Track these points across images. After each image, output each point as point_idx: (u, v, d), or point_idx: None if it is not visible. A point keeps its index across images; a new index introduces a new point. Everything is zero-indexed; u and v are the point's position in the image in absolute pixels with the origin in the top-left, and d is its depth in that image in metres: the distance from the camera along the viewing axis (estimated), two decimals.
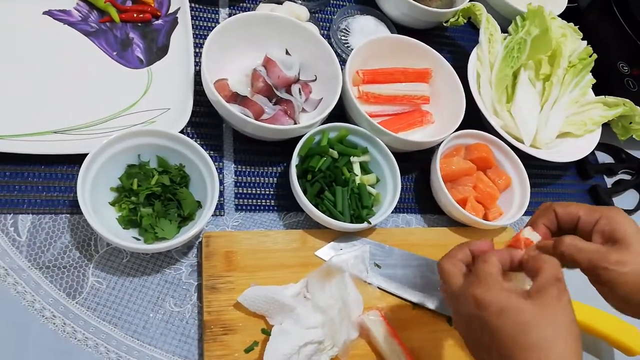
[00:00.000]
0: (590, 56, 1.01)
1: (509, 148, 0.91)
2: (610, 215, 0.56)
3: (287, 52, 0.87)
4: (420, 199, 0.91)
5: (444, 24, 1.04)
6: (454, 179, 0.88)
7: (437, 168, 0.84)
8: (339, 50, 0.98)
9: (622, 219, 0.55)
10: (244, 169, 0.82)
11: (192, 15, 0.89)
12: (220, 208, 0.78)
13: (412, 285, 0.78)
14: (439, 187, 0.84)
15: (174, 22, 0.89)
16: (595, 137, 1.01)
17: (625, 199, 1.09)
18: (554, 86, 0.98)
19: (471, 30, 1.12)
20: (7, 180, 0.70)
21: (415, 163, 0.92)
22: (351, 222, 0.77)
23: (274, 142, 0.83)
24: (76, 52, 0.81)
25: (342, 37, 1.01)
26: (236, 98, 0.80)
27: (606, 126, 1.03)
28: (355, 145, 0.84)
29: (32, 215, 0.69)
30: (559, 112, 0.98)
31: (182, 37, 0.87)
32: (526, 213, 0.87)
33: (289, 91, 0.85)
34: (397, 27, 1.04)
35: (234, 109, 0.75)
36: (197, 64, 0.84)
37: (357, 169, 0.82)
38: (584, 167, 1.07)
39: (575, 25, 1.04)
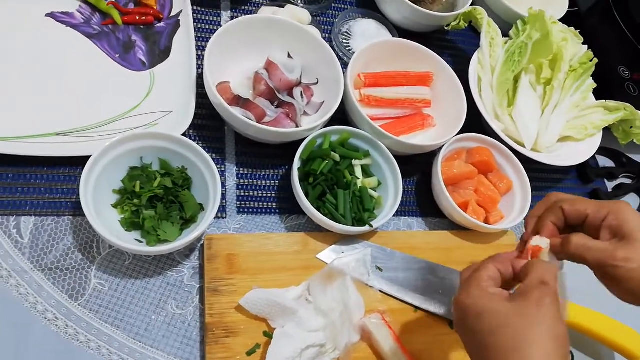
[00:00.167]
0: (591, 60, 1.01)
1: (510, 152, 0.91)
2: (618, 210, 0.56)
3: (289, 55, 0.88)
4: (421, 202, 0.91)
5: (445, 28, 1.04)
6: (456, 183, 0.88)
7: (439, 171, 0.84)
8: (340, 54, 0.98)
9: (630, 214, 0.56)
10: (246, 172, 0.83)
11: (194, 18, 0.89)
12: (222, 211, 0.78)
13: (414, 289, 0.78)
14: (440, 191, 0.84)
15: (176, 25, 0.89)
16: (596, 141, 1.01)
17: None
18: (554, 90, 0.98)
19: (472, 34, 1.13)
20: (9, 182, 0.70)
21: (417, 166, 0.92)
22: (353, 225, 0.77)
23: (275, 145, 0.84)
24: (79, 55, 0.81)
25: (344, 41, 1.01)
26: (238, 101, 0.81)
27: (607, 130, 1.03)
28: (357, 149, 0.84)
29: (35, 217, 0.69)
30: (560, 116, 0.98)
31: (184, 40, 0.87)
32: None
33: (290, 94, 0.86)
34: (398, 31, 1.04)
35: (236, 112, 0.76)
36: (200, 66, 0.84)
37: (358, 172, 0.82)
38: (584, 171, 1.07)
39: (576, 29, 1.04)
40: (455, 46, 1.13)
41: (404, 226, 0.88)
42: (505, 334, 0.48)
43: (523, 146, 0.94)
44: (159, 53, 0.86)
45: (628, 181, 1.12)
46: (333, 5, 1.05)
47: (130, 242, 0.67)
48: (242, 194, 0.81)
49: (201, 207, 0.72)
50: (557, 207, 0.59)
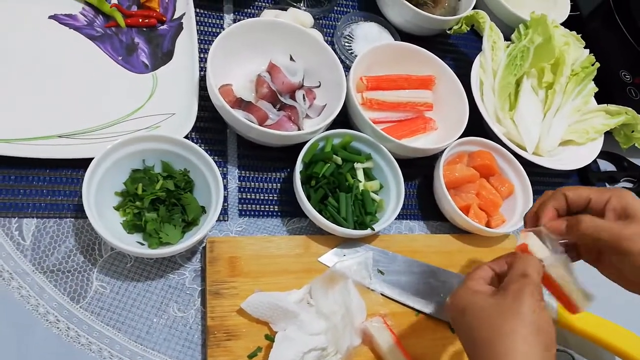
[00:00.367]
0: (592, 64, 1.01)
1: (511, 155, 0.91)
2: (620, 194, 0.58)
3: (291, 58, 0.88)
4: (423, 205, 0.91)
5: (447, 31, 1.04)
6: (457, 186, 0.88)
7: (441, 175, 0.84)
8: (342, 57, 0.98)
9: (632, 198, 0.57)
10: (248, 175, 0.83)
11: (197, 21, 0.89)
12: (224, 213, 0.78)
13: (415, 292, 0.78)
14: (442, 194, 0.84)
15: (179, 28, 0.89)
16: (597, 145, 1.02)
17: None
18: (556, 94, 0.98)
19: (474, 37, 1.13)
20: (12, 184, 0.70)
21: (419, 170, 0.92)
22: (354, 228, 0.77)
23: (278, 147, 0.84)
24: (81, 57, 0.81)
25: (346, 44, 1.01)
26: (240, 103, 0.81)
27: (608, 134, 1.04)
28: (359, 152, 0.84)
29: (37, 219, 0.69)
30: (562, 120, 0.98)
31: (187, 43, 0.87)
32: None
33: (293, 97, 0.86)
34: (400, 34, 1.04)
35: (239, 115, 0.76)
36: (202, 69, 0.85)
37: (360, 175, 0.82)
38: (586, 175, 1.07)
39: (577, 33, 1.05)
40: (457, 50, 1.13)
41: (405, 229, 0.88)
42: (484, 327, 0.50)
43: (525, 150, 0.94)
44: (162, 55, 0.86)
45: (629, 185, 1.12)
46: (335, 8, 1.06)
47: (132, 244, 0.67)
48: (244, 196, 0.81)
49: (203, 210, 0.72)
50: (560, 194, 0.60)
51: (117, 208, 0.71)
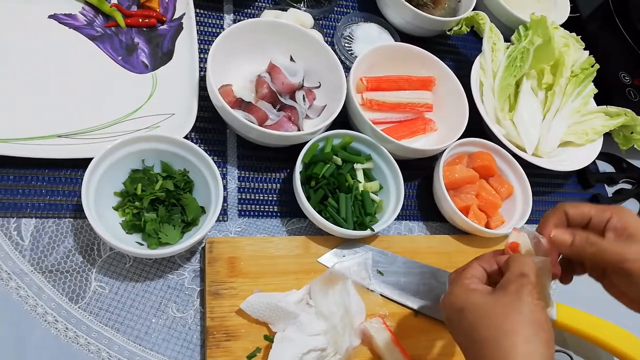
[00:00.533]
0: (592, 66, 1.02)
1: (511, 156, 0.91)
2: (621, 213, 0.58)
3: (291, 59, 0.88)
4: (422, 206, 0.91)
5: (447, 33, 1.04)
6: (457, 187, 0.88)
7: (440, 176, 0.84)
8: (342, 57, 0.98)
9: (632, 217, 0.57)
10: (247, 175, 0.83)
11: (197, 21, 0.89)
12: (223, 214, 0.78)
13: (415, 293, 0.78)
14: (441, 195, 0.84)
15: (179, 28, 0.89)
16: (596, 147, 1.02)
17: None
18: (556, 95, 0.98)
19: (474, 39, 1.13)
20: (10, 183, 0.70)
21: (418, 170, 0.92)
22: (354, 229, 0.77)
23: (277, 148, 0.84)
24: (81, 57, 0.81)
25: (346, 44, 1.01)
26: (240, 104, 0.80)
27: (607, 136, 1.04)
28: (358, 153, 0.84)
29: (36, 219, 0.69)
30: (561, 122, 0.98)
31: (187, 43, 0.87)
32: (528, 221, 0.87)
33: (293, 98, 0.86)
34: (400, 35, 1.05)
35: (239, 115, 0.76)
36: (202, 69, 0.84)
37: (360, 176, 0.82)
38: (585, 176, 1.07)
39: (577, 35, 1.05)
40: (457, 51, 1.13)
41: (405, 230, 0.88)
42: (485, 326, 0.50)
43: (524, 151, 0.94)
44: (162, 55, 0.86)
45: (628, 186, 1.12)
46: (335, 9, 1.06)
47: (131, 244, 0.67)
48: (244, 197, 0.81)
49: (203, 210, 0.72)
50: (560, 210, 0.60)
51: (116, 208, 0.71)
